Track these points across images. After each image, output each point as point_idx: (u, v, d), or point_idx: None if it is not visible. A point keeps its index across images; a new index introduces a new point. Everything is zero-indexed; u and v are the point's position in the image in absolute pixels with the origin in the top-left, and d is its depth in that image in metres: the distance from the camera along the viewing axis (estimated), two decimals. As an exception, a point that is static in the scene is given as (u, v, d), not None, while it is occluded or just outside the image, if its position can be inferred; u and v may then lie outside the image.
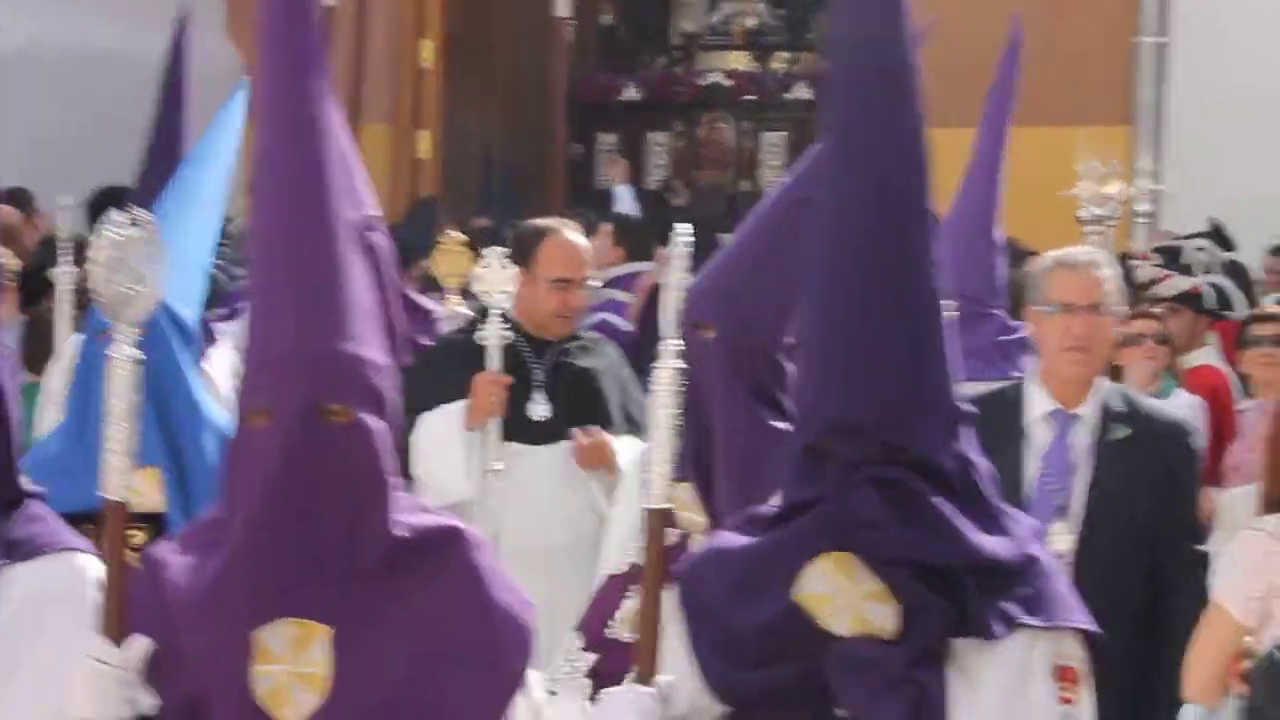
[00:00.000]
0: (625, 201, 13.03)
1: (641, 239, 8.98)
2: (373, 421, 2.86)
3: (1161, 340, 7.11)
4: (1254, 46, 11.61)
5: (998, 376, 5.50)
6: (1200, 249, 8.30)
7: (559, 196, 13.97)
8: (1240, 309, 7.93)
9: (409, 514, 2.90)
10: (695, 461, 3.93)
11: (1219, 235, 9.27)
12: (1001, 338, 6.14)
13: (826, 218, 3.01)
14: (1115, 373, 7.22)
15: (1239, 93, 11.57)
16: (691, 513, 3.97)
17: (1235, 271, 8.88)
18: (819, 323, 3.00)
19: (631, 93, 15.45)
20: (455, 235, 6.31)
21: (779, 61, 15.65)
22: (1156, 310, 7.36)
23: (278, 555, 2.84)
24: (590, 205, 11.49)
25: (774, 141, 15.31)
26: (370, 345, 2.88)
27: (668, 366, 2.99)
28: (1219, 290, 7.95)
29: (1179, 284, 7.98)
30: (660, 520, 2.99)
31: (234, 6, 13.61)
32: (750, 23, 15.78)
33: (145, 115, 9.33)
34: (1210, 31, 11.95)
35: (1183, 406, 7.03)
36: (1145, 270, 8.49)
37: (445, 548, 2.90)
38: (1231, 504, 5.99)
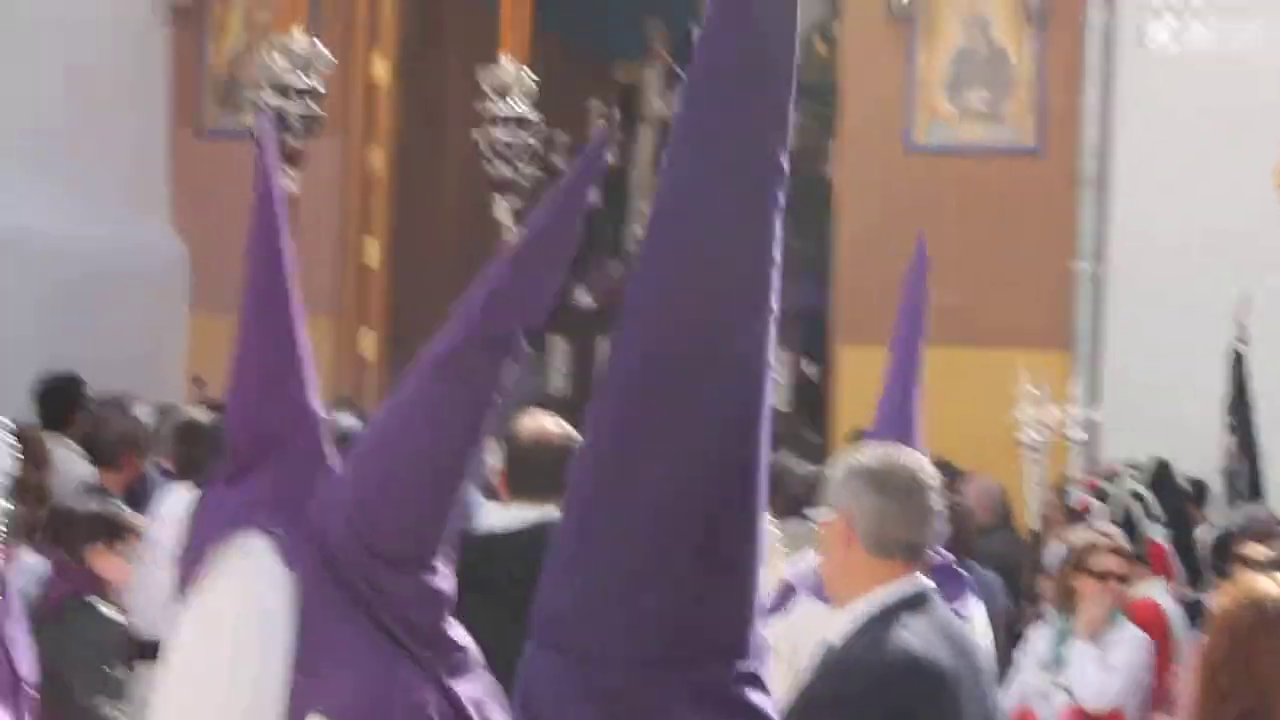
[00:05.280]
0: None
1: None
2: None
3: (1122, 579, 7.21)
4: (1188, 275, 11.77)
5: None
6: (1136, 495, 8.40)
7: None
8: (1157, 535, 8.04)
9: None
10: None
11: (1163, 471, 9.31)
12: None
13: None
14: (1070, 596, 7.26)
15: (1173, 322, 11.70)
16: None
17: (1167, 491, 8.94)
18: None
19: (583, 298, 15.49)
20: None
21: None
22: (1118, 545, 7.41)
23: None
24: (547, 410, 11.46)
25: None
26: None
27: None
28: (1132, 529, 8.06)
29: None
30: None
31: (179, 199, 13.67)
32: (704, 235, 15.93)
33: (84, 299, 9.23)
34: (1145, 260, 12.11)
35: (1130, 640, 7.13)
36: (1075, 498, 8.59)
37: None
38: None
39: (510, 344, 3.88)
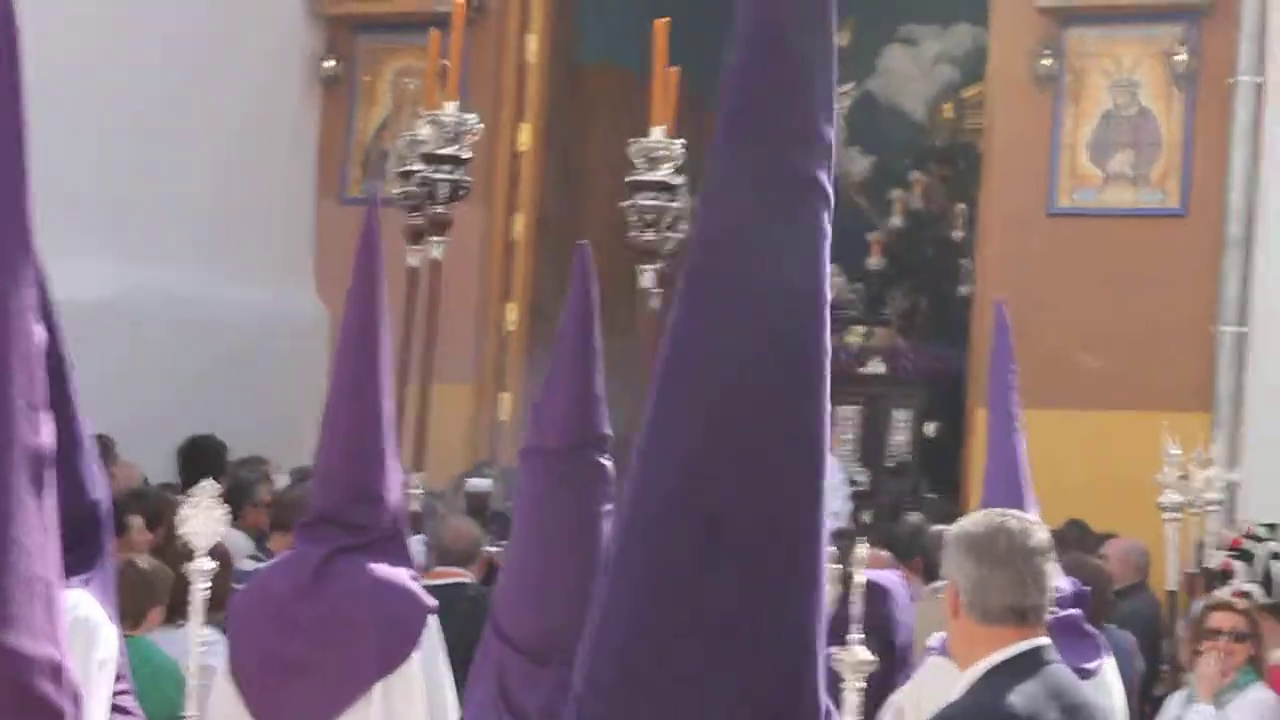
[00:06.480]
0: None
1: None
2: None
3: (1240, 638, 7.02)
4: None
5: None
6: (1277, 555, 8.30)
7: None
8: None
9: None
10: None
11: None
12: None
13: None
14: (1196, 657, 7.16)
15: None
16: None
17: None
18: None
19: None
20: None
21: (854, 335, 15.71)
22: (1240, 604, 7.27)
23: None
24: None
25: (847, 415, 15.29)
26: (35, 634, 1.96)
27: None
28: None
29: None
30: None
31: (323, 266, 13.86)
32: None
33: (232, 364, 9.08)
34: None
35: (1253, 702, 6.98)
36: (1215, 560, 8.48)
37: None
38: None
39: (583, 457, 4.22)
